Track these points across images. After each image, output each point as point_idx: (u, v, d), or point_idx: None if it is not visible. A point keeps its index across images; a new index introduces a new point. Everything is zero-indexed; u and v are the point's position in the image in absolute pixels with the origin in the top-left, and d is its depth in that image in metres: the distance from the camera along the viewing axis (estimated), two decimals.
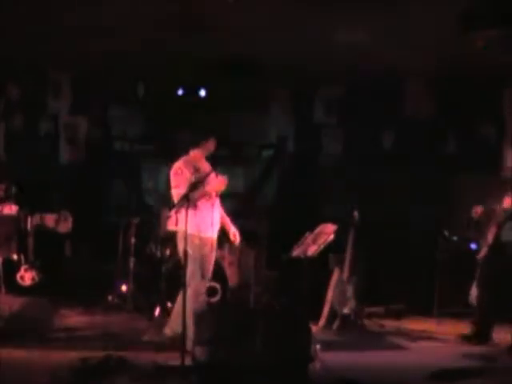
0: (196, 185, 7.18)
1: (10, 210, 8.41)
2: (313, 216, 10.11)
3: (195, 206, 7.36)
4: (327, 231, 7.99)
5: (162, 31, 8.98)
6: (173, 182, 7.51)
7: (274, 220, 10.14)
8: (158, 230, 9.86)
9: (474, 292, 8.51)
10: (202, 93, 10.81)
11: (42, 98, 11.67)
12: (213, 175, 7.48)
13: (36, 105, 11.63)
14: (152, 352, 7.27)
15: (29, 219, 9.77)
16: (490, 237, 8.23)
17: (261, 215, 10.06)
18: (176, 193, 7.41)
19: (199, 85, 10.80)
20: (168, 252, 9.56)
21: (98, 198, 11.67)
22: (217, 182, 7.50)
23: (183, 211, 7.14)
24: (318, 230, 7.98)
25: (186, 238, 6.98)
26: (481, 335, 8.21)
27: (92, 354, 6.86)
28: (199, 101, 10.83)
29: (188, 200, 6.96)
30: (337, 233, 8.05)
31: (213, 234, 7.65)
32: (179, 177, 7.47)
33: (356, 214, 8.76)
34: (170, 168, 7.66)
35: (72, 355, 6.94)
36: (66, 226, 10.36)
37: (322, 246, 7.99)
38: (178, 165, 7.58)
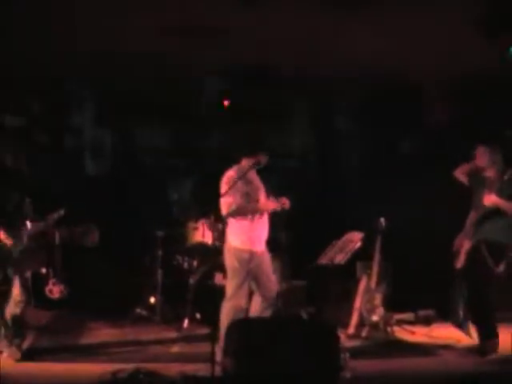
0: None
1: (38, 224, 8.40)
2: (338, 224, 10.07)
3: (245, 219, 7.37)
4: (354, 239, 7.97)
5: (182, 42, 9.01)
6: (223, 191, 7.32)
7: (299, 229, 10.12)
8: (185, 242, 9.87)
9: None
10: (226, 104, 10.84)
11: (66, 112, 11.71)
12: (263, 192, 7.53)
13: (60, 119, 11.67)
14: (181, 364, 7.28)
15: (56, 233, 9.82)
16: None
17: (281, 225, 10.06)
18: (226, 202, 7.27)
19: (223, 96, 10.83)
20: (195, 263, 9.58)
21: (124, 210, 11.69)
22: (269, 204, 7.46)
23: (234, 223, 7.31)
24: (344, 237, 7.97)
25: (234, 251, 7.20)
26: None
27: (121, 367, 6.88)
28: (223, 112, 10.86)
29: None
30: (363, 240, 8.03)
31: (262, 247, 7.57)
32: (231, 186, 7.30)
33: (382, 221, 8.72)
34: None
35: (101, 368, 6.97)
36: (92, 239, 10.40)
37: (349, 254, 7.97)
38: (231, 173, 7.43)
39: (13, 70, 10.60)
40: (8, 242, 7.30)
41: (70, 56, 9.82)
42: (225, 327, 6.86)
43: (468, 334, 8.33)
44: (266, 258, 7.62)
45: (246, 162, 7.52)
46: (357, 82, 10.83)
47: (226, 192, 7.23)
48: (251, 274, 7.36)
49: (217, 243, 9.17)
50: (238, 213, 7.31)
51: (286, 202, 7.51)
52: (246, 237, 7.34)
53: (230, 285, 7.40)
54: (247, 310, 7.51)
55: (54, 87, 11.30)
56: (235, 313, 7.26)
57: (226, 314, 7.25)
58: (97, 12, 8.45)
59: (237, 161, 7.59)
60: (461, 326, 8.44)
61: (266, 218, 7.58)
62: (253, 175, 7.59)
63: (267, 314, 7.44)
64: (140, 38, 9.09)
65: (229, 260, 7.44)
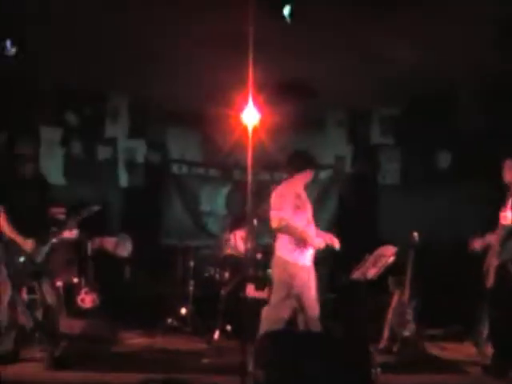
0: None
1: (71, 233, 8.49)
2: (372, 237, 10.06)
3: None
4: (387, 253, 7.95)
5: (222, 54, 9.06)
6: (275, 205, 7.44)
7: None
8: (217, 253, 9.89)
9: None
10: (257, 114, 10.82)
11: (100, 124, 11.79)
12: (310, 205, 7.62)
13: (94, 130, 11.75)
14: (211, 375, 7.29)
15: (89, 243, 9.89)
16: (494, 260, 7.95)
17: None
18: (277, 215, 7.38)
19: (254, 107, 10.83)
20: (227, 275, 9.59)
21: (157, 221, 11.74)
22: (317, 242, 7.51)
23: (284, 237, 7.41)
24: (377, 252, 7.95)
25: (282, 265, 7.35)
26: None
27: (152, 377, 6.90)
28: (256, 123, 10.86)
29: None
30: (396, 255, 8.00)
31: (309, 262, 7.61)
32: (283, 199, 7.43)
33: (415, 235, 8.68)
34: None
35: (132, 378, 6.99)
36: (125, 250, 10.46)
37: (382, 269, 7.95)
38: (283, 188, 7.59)
39: (50, 83, 10.73)
40: (35, 252, 7.32)
41: (107, 69, 9.91)
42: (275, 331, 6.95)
43: (481, 353, 8.24)
44: (313, 275, 7.66)
45: (296, 179, 7.67)
46: (394, 94, 10.81)
47: (278, 206, 7.37)
48: (298, 287, 7.42)
49: (249, 254, 9.18)
50: (287, 231, 7.41)
51: (335, 242, 7.58)
52: (295, 251, 7.43)
53: (275, 295, 7.52)
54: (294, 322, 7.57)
55: (90, 99, 11.40)
56: (275, 323, 7.32)
57: (266, 322, 7.37)
58: (137, 27, 8.57)
59: (289, 175, 7.74)
60: (478, 344, 8.35)
61: (312, 229, 7.64)
62: (301, 189, 7.71)
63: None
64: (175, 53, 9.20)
65: (277, 272, 7.55)
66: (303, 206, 7.58)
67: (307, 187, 7.82)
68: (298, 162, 7.74)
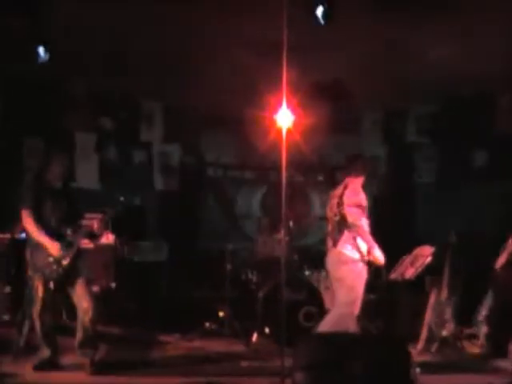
0: None
1: (107, 239, 8.56)
2: (408, 237, 10.01)
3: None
4: (424, 253, 7.91)
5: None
6: (351, 201, 7.57)
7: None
8: (254, 256, 9.90)
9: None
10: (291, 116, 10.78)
11: (135, 128, 11.84)
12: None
13: (129, 135, 11.81)
14: (250, 378, 7.29)
15: (125, 248, 9.93)
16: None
17: None
18: (354, 211, 7.53)
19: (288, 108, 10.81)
20: (264, 277, 9.58)
21: (193, 224, 11.77)
22: (379, 257, 7.58)
23: (352, 236, 7.48)
24: (415, 252, 7.91)
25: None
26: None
27: (191, 381, 6.91)
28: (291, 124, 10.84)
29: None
30: (434, 255, 7.96)
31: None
32: (358, 197, 7.60)
33: (452, 234, 8.63)
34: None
35: (172, 382, 7.01)
36: (161, 254, 10.49)
37: (420, 269, 7.91)
38: (356, 186, 7.72)
39: (84, 88, 10.80)
40: (61, 256, 7.35)
41: (143, 73, 9.96)
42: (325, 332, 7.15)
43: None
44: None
45: (360, 178, 7.81)
46: (430, 92, 10.75)
47: (357, 202, 7.55)
48: (359, 286, 7.55)
49: (285, 256, 9.18)
50: (360, 230, 7.50)
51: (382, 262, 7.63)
52: (359, 249, 7.54)
53: (344, 294, 7.54)
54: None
55: (125, 104, 11.46)
56: (349, 322, 7.43)
57: (338, 322, 7.42)
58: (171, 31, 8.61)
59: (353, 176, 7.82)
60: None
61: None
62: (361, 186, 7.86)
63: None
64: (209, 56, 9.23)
65: (341, 268, 7.60)
66: (366, 204, 7.72)
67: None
68: (363, 164, 7.96)
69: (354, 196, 7.61)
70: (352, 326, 7.41)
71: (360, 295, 7.55)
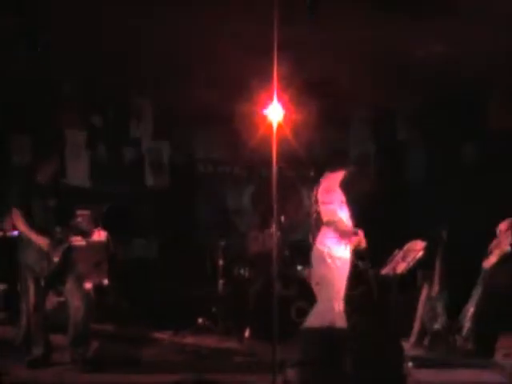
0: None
1: (99, 236, 8.54)
2: (399, 233, 9.99)
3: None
4: (416, 248, 7.92)
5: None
6: (325, 199, 7.57)
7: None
8: (245, 251, 9.90)
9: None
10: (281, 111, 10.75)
11: (125, 125, 11.82)
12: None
13: (119, 132, 11.79)
14: (243, 374, 7.29)
15: (117, 245, 9.91)
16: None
17: None
18: (330, 210, 7.53)
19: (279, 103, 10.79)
20: (256, 273, 9.58)
21: (184, 220, 11.75)
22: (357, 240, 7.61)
23: (329, 231, 7.49)
24: (407, 247, 7.92)
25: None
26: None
27: (184, 377, 6.90)
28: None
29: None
30: (425, 249, 7.97)
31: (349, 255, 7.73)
32: (331, 194, 7.60)
33: (444, 229, 8.65)
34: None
35: (164, 378, 7.00)
36: (152, 250, 10.50)
37: (412, 263, 7.93)
38: (329, 182, 7.71)
39: (74, 85, 10.77)
40: (51, 250, 7.36)
41: (132, 70, 9.95)
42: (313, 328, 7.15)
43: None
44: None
45: (339, 174, 7.78)
46: (419, 88, 10.76)
47: (328, 200, 7.54)
48: (339, 281, 7.54)
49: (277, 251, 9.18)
50: (337, 226, 7.49)
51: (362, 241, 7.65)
52: (339, 245, 7.54)
53: (325, 289, 7.53)
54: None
55: (115, 101, 11.43)
56: (333, 316, 7.38)
57: (320, 317, 7.40)
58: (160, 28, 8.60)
59: (329, 171, 7.80)
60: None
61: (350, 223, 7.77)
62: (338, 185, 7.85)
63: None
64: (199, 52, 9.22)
65: (320, 266, 7.58)
66: (345, 200, 7.73)
67: None
68: (340, 159, 8.02)
69: (326, 193, 7.59)
70: (339, 322, 7.37)
71: (341, 290, 7.52)
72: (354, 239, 7.55)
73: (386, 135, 12.10)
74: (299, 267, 9.58)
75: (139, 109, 11.83)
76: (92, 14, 8.37)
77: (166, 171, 12.03)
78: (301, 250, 9.37)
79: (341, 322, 7.37)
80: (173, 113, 11.74)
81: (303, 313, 8.81)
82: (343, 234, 7.50)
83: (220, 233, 10.12)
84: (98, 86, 10.83)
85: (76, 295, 7.49)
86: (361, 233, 7.57)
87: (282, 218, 9.41)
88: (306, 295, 8.84)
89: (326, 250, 7.49)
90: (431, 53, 9.21)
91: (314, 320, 7.41)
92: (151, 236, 10.60)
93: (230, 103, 10.53)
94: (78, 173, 11.12)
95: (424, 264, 8.45)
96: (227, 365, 7.81)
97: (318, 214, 7.59)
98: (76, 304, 7.47)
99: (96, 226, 7.86)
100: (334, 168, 7.76)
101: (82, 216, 7.80)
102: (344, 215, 7.61)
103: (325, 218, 7.49)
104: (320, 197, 7.60)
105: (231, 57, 9.22)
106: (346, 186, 7.76)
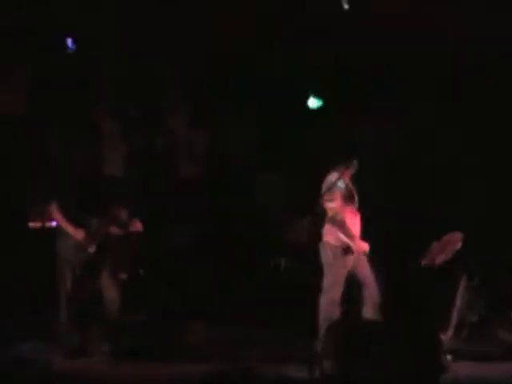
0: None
1: (135, 227, 8.54)
2: (431, 223, 9.89)
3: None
4: (454, 239, 7.89)
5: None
6: (328, 195, 7.61)
7: (393, 228, 9.97)
8: (283, 241, 9.89)
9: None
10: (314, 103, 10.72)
11: (161, 115, 11.82)
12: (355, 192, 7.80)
13: (155, 122, 11.79)
14: (280, 364, 7.26)
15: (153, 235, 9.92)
16: None
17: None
18: (332, 206, 7.67)
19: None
20: (290, 263, 9.58)
21: (220, 211, 11.75)
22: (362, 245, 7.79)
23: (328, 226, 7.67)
24: (445, 238, 7.90)
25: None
26: None
27: (218, 367, 6.90)
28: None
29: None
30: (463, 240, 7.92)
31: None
32: (334, 190, 7.63)
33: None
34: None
35: (198, 368, 6.99)
36: (188, 240, 10.50)
37: (450, 255, 7.89)
38: (333, 178, 7.72)
39: (109, 72, 10.79)
40: (86, 242, 7.40)
41: (169, 56, 9.95)
42: (321, 322, 7.28)
43: None
44: (362, 257, 7.83)
45: (348, 169, 7.82)
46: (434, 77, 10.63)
47: (330, 197, 7.59)
48: (347, 269, 7.66)
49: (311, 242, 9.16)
50: (339, 225, 7.66)
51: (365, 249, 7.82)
52: (339, 235, 7.68)
53: (326, 280, 7.67)
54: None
55: (151, 91, 11.43)
56: (330, 307, 7.54)
57: (323, 308, 7.56)
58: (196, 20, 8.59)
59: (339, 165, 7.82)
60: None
61: (358, 218, 7.89)
62: (348, 179, 7.88)
63: (370, 314, 7.62)
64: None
65: (325, 256, 7.72)
66: (352, 196, 7.80)
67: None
68: (349, 153, 7.91)
69: (329, 189, 7.59)
70: (334, 312, 7.51)
71: (339, 281, 7.63)
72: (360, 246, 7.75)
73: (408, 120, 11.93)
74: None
75: (175, 99, 11.83)
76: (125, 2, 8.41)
77: (202, 161, 12.03)
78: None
79: (336, 312, 7.55)
80: (209, 103, 11.74)
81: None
82: (346, 236, 7.69)
83: (257, 221, 10.13)
84: (134, 76, 10.84)
85: (111, 286, 7.54)
86: (364, 245, 7.72)
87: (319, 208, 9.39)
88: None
89: (331, 242, 7.71)
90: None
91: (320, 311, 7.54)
92: (187, 226, 10.59)
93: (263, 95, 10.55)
94: (115, 163, 11.13)
95: (462, 255, 8.39)
96: (264, 354, 7.78)
97: (323, 209, 7.69)
98: (111, 295, 7.53)
99: (132, 217, 7.86)
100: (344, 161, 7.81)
101: (118, 207, 7.82)
102: (349, 213, 7.79)
103: (328, 214, 7.68)
104: (323, 193, 7.64)
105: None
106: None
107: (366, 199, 7.98)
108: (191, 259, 10.66)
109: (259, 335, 8.79)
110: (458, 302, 8.69)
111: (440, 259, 7.85)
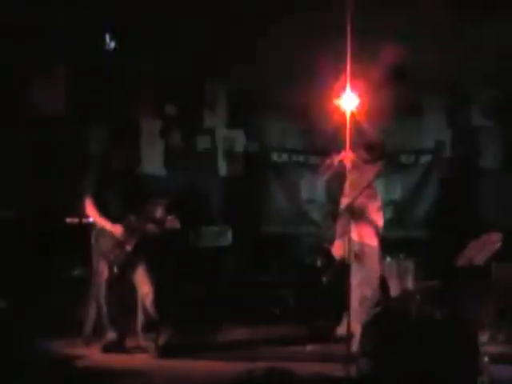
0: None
1: (173, 224, 8.56)
2: (475, 222, 9.84)
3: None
4: (493, 240, 7.81)
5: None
6: (349, 192, 7.66)
7: (435, 228, 9.91)
8: (319, 241, 9.85)
9: None
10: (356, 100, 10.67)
11: (199, 114, 11.85)
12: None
13: (193, 120, 11.82)
14: (316, 363, 7.25)
15: (190, 233, 9.95)
16: None
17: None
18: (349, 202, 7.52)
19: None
20: (329, 262, 9.54)
21: (257, 210, 11.76)
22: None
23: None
24: (483, 238, 7.82)
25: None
26: None
27: (256, 366, 6.89)
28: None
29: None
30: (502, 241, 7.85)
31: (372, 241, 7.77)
32: (355, 188, 7.57)
33: None
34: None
35: (236, 366, 6.99)
36: (225, 239, 10.50)
37: (489, 255, 7.81)
38: (356, 175, 7.74)
39: (149, 75, 10.84)
40: (124, 237, 7.44)
41: (206, 59, 9.97)
42: (354, 320, 7.11)
43: None
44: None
45: (372, 166, 7.75)
46: (495, 75, 10.55)
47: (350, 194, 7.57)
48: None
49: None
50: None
51: None
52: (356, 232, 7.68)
53: (354, 276, 7.54)
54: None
55: (189, 89, 11.46)
56: (360, 303, 7.55)
57: (355, 306, 7.46)
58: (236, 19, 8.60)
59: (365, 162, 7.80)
60: None
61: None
62: (371, 177, 7.73)
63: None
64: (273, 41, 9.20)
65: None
66: (375, 194, 7.80)
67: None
68: (377, 152, 7.86)
69: (351, 186, 7.68)
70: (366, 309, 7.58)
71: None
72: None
73: (461, 122, 11.88)
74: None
75: (213, 97, 11.85)
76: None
77: (240, 160, 12.05)
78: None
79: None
80: (247, 101, 11.75)
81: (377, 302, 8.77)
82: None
83: (293, 222, 10.11)
84: (172, 75, 10.87)
85: (146, 282, 7.57)
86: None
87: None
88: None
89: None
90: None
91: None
92: (224, 224, 10.60)
93: (304, 91, 10.51)
94: (153, 161, 11.17)
95: (499, 255, 8.32)
96: (299, 354, 7.76)
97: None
98: (146, 290, 7.55)
99: (169, 215, 7.87)
100: (371, 159, 7.79)
101: (155, 204, 7.84)
102: (372, 210, 7.75)
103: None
104: (345, 189, 7.75)
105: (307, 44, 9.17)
106: None
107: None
108: (231, 257, 10.68)
109: (296, 333, 8.77)
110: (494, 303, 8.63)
111: (478, 259, 7.77)
